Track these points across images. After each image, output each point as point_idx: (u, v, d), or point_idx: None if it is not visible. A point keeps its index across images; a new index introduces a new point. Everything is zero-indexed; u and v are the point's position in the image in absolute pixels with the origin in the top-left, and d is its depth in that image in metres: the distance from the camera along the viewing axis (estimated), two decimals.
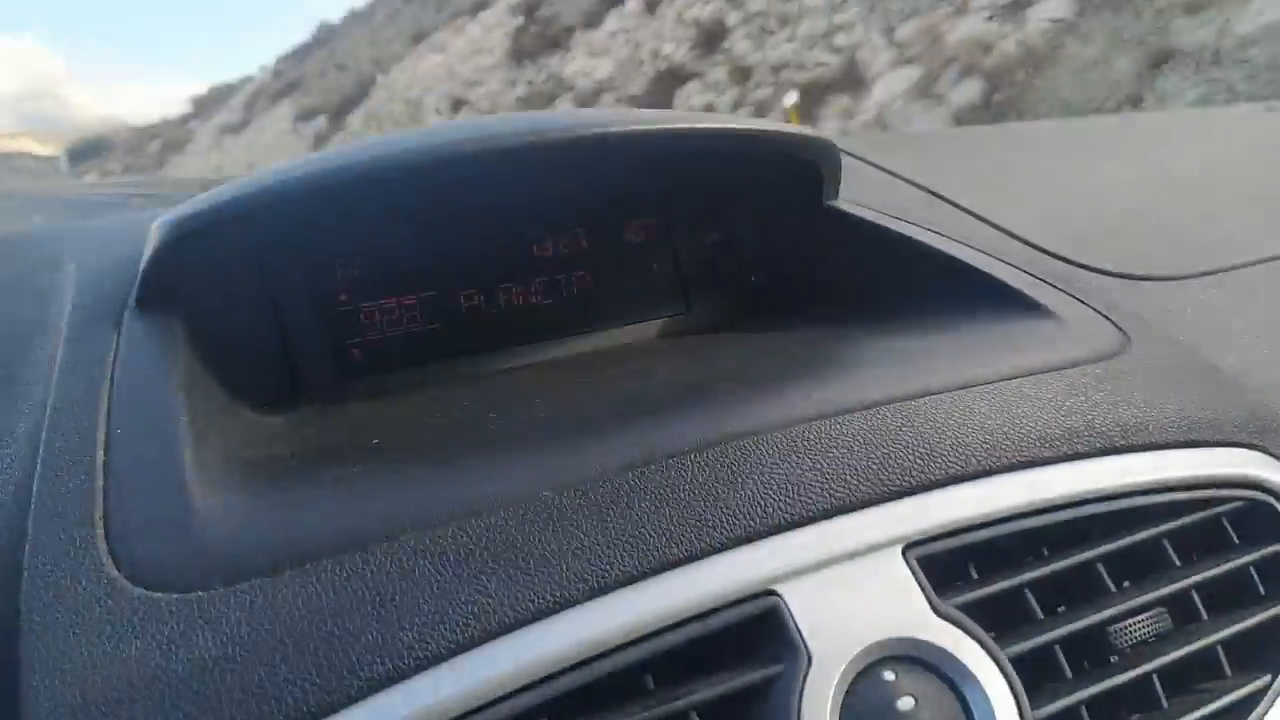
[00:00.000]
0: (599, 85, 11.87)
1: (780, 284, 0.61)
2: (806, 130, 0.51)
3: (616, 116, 0.45)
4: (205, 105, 41.98)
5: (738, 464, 0.35)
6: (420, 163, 0.41)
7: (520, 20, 15.95)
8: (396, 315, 0.52)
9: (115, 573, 0.32)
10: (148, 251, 0.43)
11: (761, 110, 8.68)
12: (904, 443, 0.36)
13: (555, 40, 14.17)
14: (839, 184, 0.56)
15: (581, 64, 12.97)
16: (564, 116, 0.45)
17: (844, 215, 0.56)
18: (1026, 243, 0.57)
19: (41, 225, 0.58)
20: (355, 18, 32.01)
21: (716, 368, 0.49)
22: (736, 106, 9.11)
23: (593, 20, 13.58)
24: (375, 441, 0.40)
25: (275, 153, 23.92)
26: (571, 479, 0.35)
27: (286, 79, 30.88)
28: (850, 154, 0.68)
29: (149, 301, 0.44)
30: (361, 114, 19.91)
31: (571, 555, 0.32)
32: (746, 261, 0.61)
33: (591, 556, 0.32)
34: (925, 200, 0.63)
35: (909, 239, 0.53)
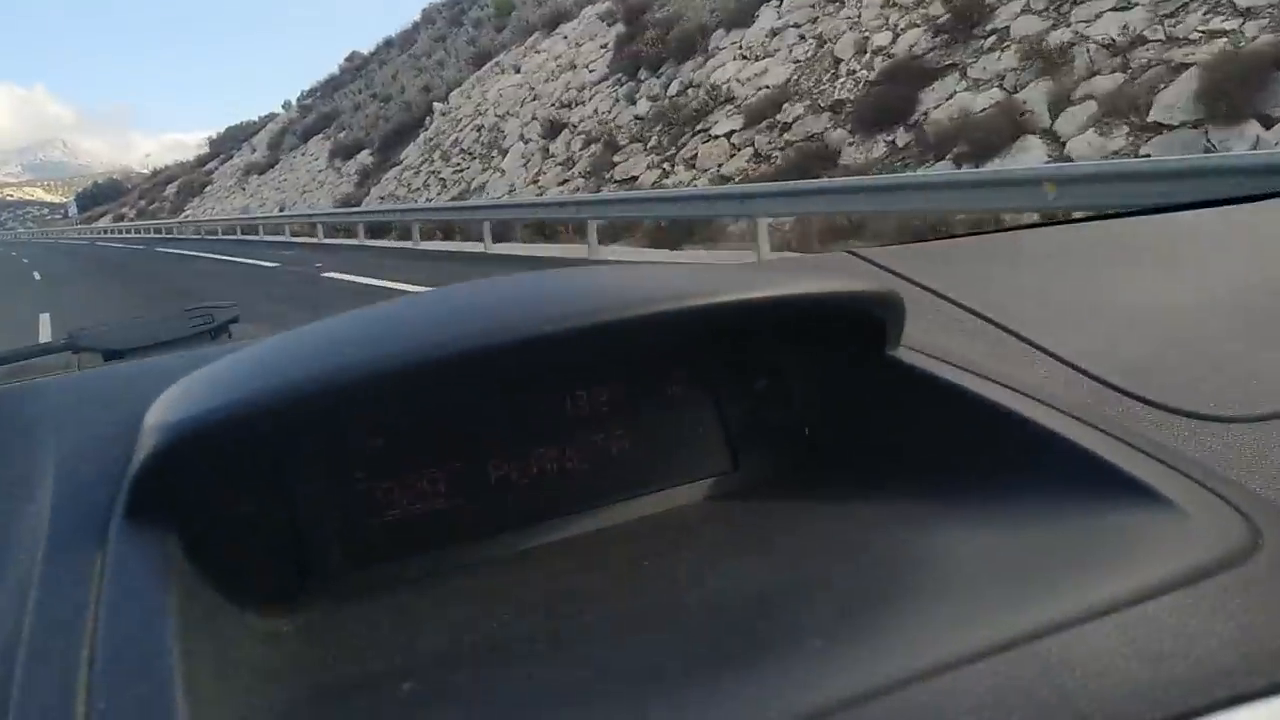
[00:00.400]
0: (776, 93, 9.09)
1: (836, 440, 0.55)
2: (874, 286, 0.48)
3: (666, 285, 0.43)
4: (223, 145, 39.67)
5: None
6: (444, 359, 0.37)
7: (620, 28, 13.33)
8: (418, 490, 0.48)
9: None
10: (138, 457, 0.39)
11: (1121, 103, 5.83)
12: (1042, 700, 0.30)
13: (684, 45, 11.42)
14: (901, 334, 0.51)
15: (734, 69, 10.19)
16: (605, 282, 0.43)
17: (909, 368, 0.51)
18: (1099, 379, 0.52)
19: (25, 384, 0.51)
20: (392, 46, 29.66)
21: (785, 569, 0.43)
22: (1057, 101, 6.28)
23: (740, 18, 10.83)
24: (405, 686, 0.35)
25: (312, 193, 21.36)
26: None
27: (317, 113, 28.49)
28: (885, 268, 0.65)
29: (139, 511, 0.39)
30: (418, 145, 17.26)
31: None
32: (798, 413, 0.56)
33: None
34: (978, 328, 0.57)
35: (983, 399, 0.48)
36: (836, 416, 0.55)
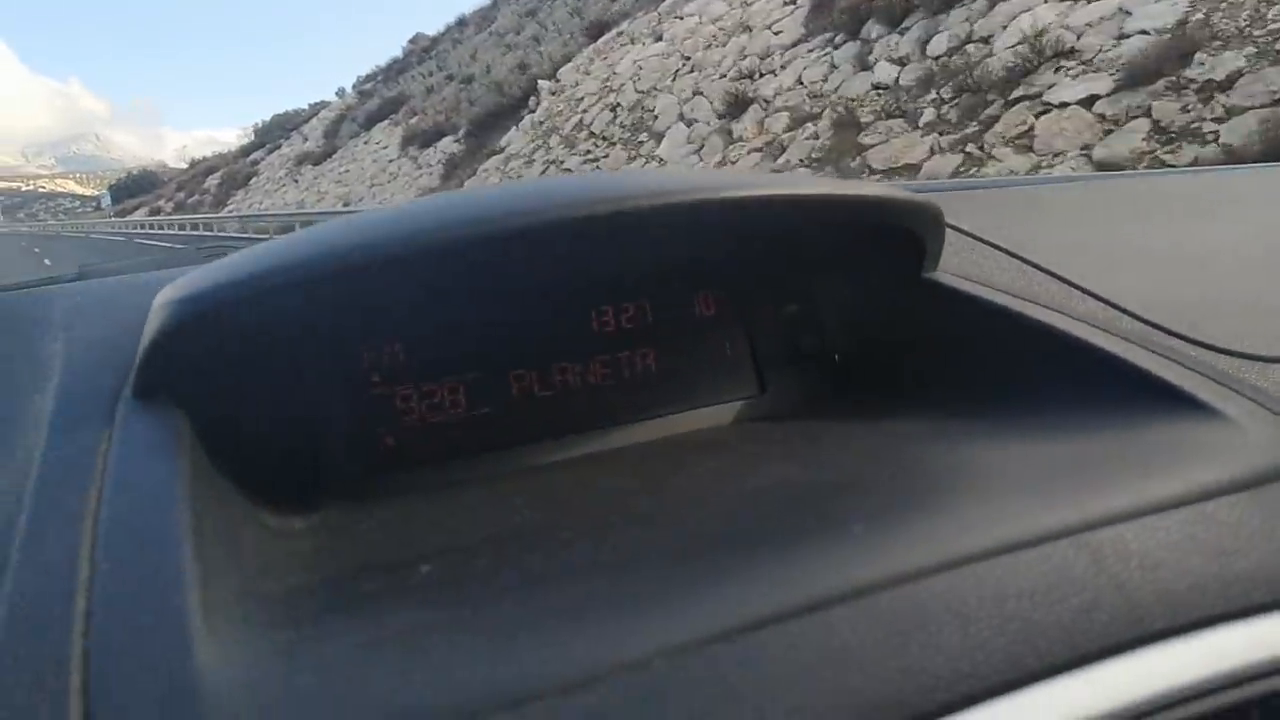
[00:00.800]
0: (1171, 42, 6.05)
1: (867, 363, 0.54)
2: (913, 195, 0.45)
3: (698, 181, 0.40)
4: (270, 134, 36.98)
5: (887, 620, 0.28)
6: (469, 239, 0.36)
7: None
8: (437, 399, 0.46)
9: None
10: (147, 335, 0.38)
11: None
12: (1096, 588, 0.29)
13: None
14: (940, 254, 0.49)
15: (1054, 12, 7.16)
16: (635, 182, 0.40)
17: (947, 289, 0.49)
18: (1141, 319, 0.50)
19: (32, 291, 0.50)
20: (465, 25, 26.91)
21: (827, 472, 0.41)
22: None
23: None
24: (424, 570, 0.33)
25: (383, 185, 18.55)
26: (682, 640, 0.27)
27: (380, 98, 25.72)
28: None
29: (148, 392, 0.38)
30: (523, 129, 14.36)
31: None
32: (829, 337, 0.55)
33: None
34: (1016, 268, 0.55)
35: (1028, 319, 0.46)
36: (868, 342, 0.53)
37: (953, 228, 0.58)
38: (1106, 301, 0.51)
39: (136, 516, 0.31)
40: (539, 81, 15.19)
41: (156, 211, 36.22)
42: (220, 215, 22.04)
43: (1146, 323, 0.49)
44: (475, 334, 0.47)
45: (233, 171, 33.32)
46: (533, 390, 0.48)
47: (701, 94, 10.68)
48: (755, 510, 0.37)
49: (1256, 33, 5.70)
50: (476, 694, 0.25)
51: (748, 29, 11.19)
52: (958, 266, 0.52)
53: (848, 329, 0.54)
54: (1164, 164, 5.38)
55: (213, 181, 34.89)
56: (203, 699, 0.25)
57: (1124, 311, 0.50)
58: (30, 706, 0.26)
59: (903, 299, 0.50)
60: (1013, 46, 7.18)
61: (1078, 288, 0.52)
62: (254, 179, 30.64)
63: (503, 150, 14.41)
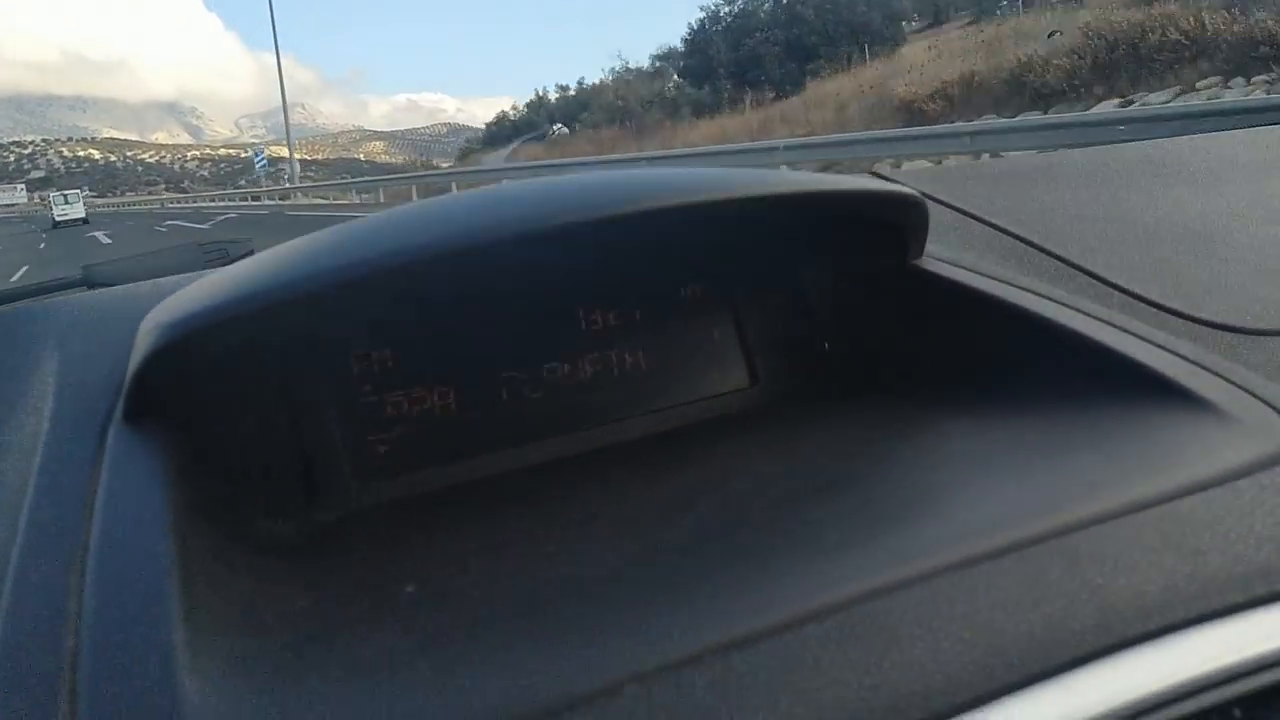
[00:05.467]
0: None
1: (857, 352, 0.53)
2: (895, 187, 0.45)
3: (679, 181, 0.40)
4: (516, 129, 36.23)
5: (859, 638, 0.28)
6: (453, 250, 0.36)
7: None
8: (426, 404, 0.46)
9: None
10: (136, 358, 0.38)
11: None
12: (1069, 594, 0.29)
13: None
14: (925, 242, 0.49)
15: None
16: (620, 185, 0.40)
17: (932, 276, 0.49)
18: (1132, 294, 0.50)
19: (32, 304, 0.51)
20: None
21: (808, 474, 0.42)
22: None
23: None
24: (408, 590, 0.34)
25: None
26: (653, 665, 0.27)
27: None
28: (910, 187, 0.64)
29: (137, 415, 0.38)
30: None
31: None
32: (818, 326, 0.55)
33: None
34: (1009, 246, 0.55)
35: (1010, 304, 0.46)
36: (856, 329, 0.52)
37: (948, 205, 0.59)
38: (1097, 277, 0.51)
39: (125, 549, 0.31)
40: None
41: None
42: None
43: (1138, 297, 0.49)
44: (464, 338, 0.47)
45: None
46: (523, 391, 0.48)
47: None
48: (736, 518, 0.37)
49: None
50: None
51: None
52: (951, 247, 0.52)
53: (836, 317, 0.54)
54: None
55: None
56: None
57: (1115, 287, 0.50)
58: None
59: (889, 287, 0.50)
60: None
61: (1068, 263, 0.52)
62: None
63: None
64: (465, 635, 0.31)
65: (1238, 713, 0.28)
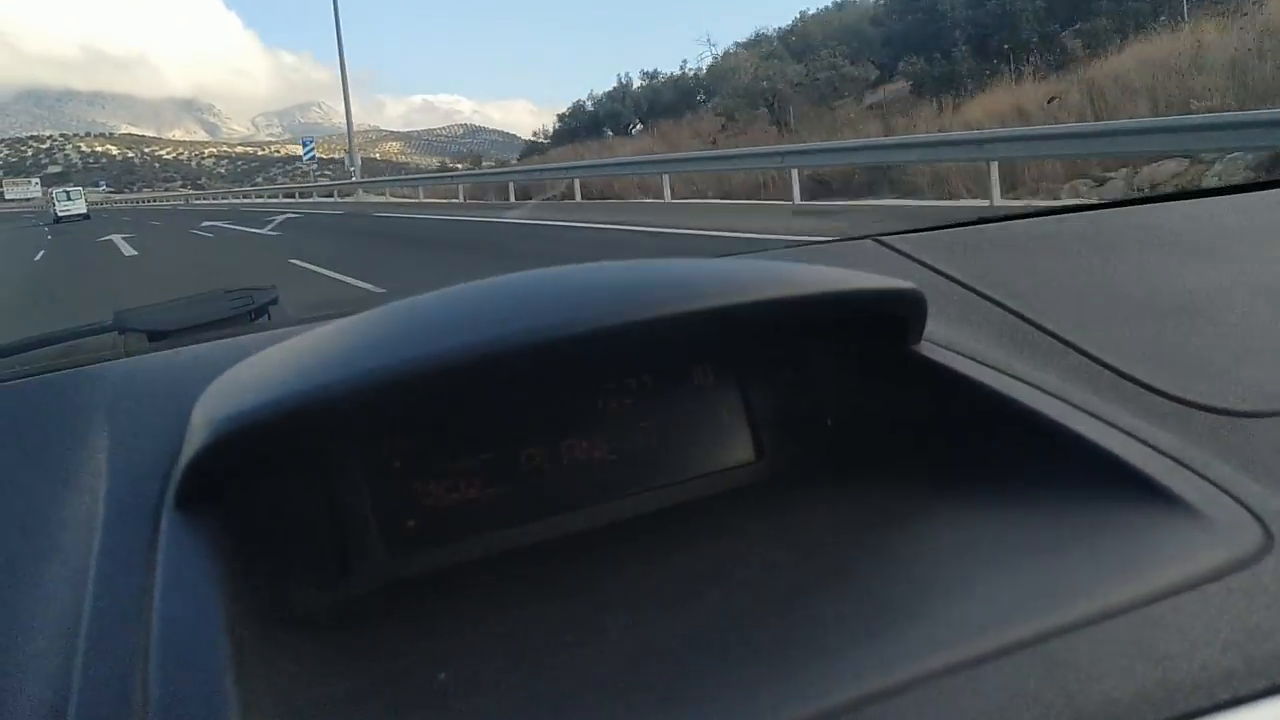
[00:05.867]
0: None
1: (858, 431, 0.55)
2: (895, 284, 0.49)
3: (694, 279, 0.44)
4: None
5: None
6: (485, 355, 0.39)
7: None
8: (453, 482, 0.48)
9: None
10: (190, 449, 0.40)
11: None
12: (1045, 703, 0.31)
13: None
14: (923, 329, 0.52)
15: None
16: (631, 281, 0.44)
17: (930, 363, 0.51)
18: (1123, 374, 0.52)
19: (79, 372, 0.53)
20: None
21: (811, 560, 0.44)
22: None
23: None
24: (441, 676, 0.37)
25: None
26: None
27: None
28: (910, 257, 0.67)
29: (189, 501, 0.40)
30: None
31: None
32: (822, 405, 0.57)
33: None
34: (1004, 321, 0.58)
35: (1001, 395, 0.48)
36: (859, 408, 0.54)
37: (952, 279, 0.62)
38: (1088, 355, 0.53)
39: (185, 641, 0.33)
40: None
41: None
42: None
43: (1125, 376, 0.51)
44: (488, 419, 0.49)
45: None
46: (542, 467, 0.49)
47: None
48: (743, 609, 0.40)
49: None
50: None
51: None
52: (948, 323, 0.55)
53: (840, 398, 0.55)
54: None
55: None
56: None
57: (1105, 365, 0.52)
58: None
59: (889, 370, 0.52)
60: None
61: (1061, 340, 0.55)
62: None
63: None
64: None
65: None
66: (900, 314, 0.49)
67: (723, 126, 20.02)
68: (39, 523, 0.41)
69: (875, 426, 0.54)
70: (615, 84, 31.63)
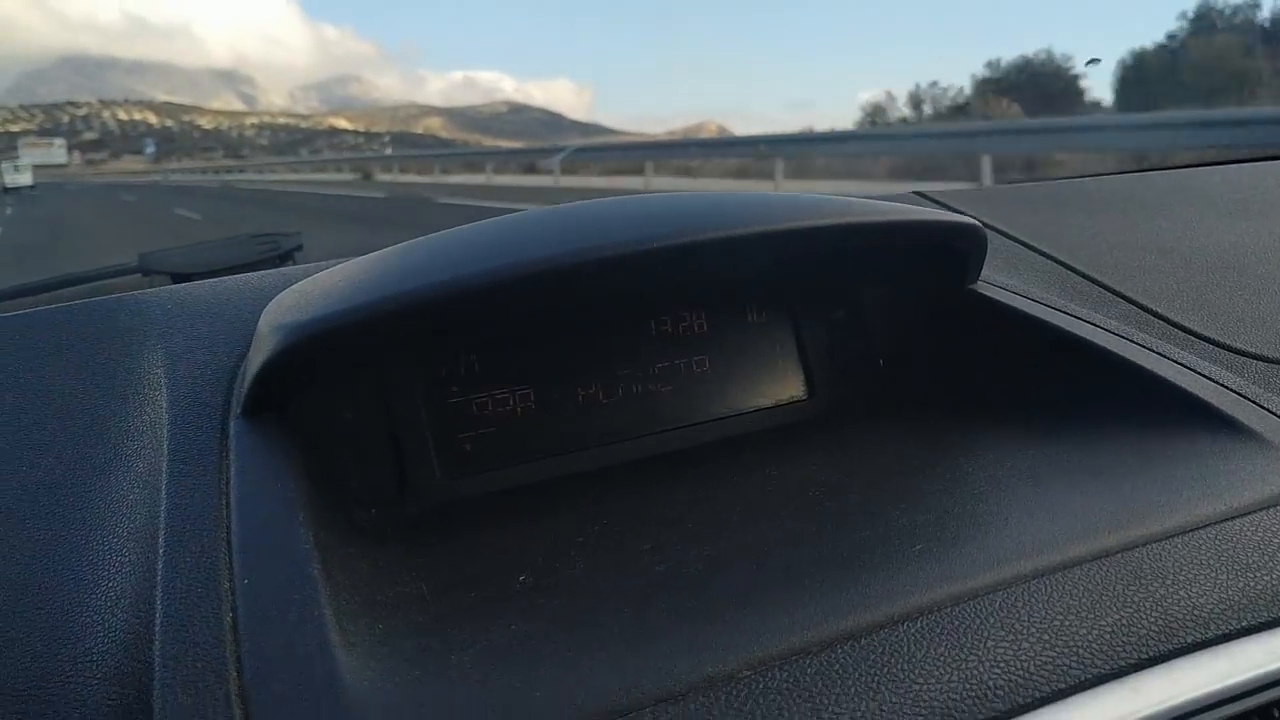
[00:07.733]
0: None
1: (911, 371, 0.55)
2: (958, 218, 0.48)
3: (750, 210, 0.43)
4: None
5: (949, 636, 0.31)
6: (547, 271, 0.38)
7: None
8: (509, 406, 0.49)
9: None
10: (258, 356, 0.40)
11: None
12: (1134, 605, 0.32)
13: None
14: (982, 267, 0.51)
15: None
16: (691, 206, 0.44)
17: (988, 300, 0.51)
18: (1176, 324, 0.53)
19: (124, 296, 0.53)
20: None
21: (879, 485, 0.44)
22: None
23: None
24: (523, 578, 0.37)
25: None
26: (768, 653, 0.30)
27: None
28: (951, 209, 0.67)
29: (258, 410, 0.41)
30: None
31: None
32: (874, 344, 0.57)
33: None
34: (1053, 271, 0.59)
35: (1062, 330, 0.48)
36: (912, 348, 0.55)
37: (999, 232, 0.63)
38: (1138, 304, 0.54)
39: (267, 534, 0.34)
40: None
41: None
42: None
43: (1177, 326, 0.51)
44: (543, 345, 0.50)
45: None
46: (597, 396, 0.50)
47: None
48: (819, 522, 0.40)
49: None
50: (588, 704, 0.28)
51: None
52: (999, 270, 0.54)
53: (893, 336, 0.56)
54: None
55: None
56: (349, 704, 0.28)
57: (1155, 314, 0.52)
58: (195, 708, 0.28)
59: (945, 309, 0.52)
60: None
61: (1110, 289, 0.55)
62: None
63: None
64: (586, 623, 0.33)
65: (1277, 713, 0.31)
66: (961, 249, 0.49)
67: None
68: (103, 431, 0.41)
69: (929, 365, 0.54)
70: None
